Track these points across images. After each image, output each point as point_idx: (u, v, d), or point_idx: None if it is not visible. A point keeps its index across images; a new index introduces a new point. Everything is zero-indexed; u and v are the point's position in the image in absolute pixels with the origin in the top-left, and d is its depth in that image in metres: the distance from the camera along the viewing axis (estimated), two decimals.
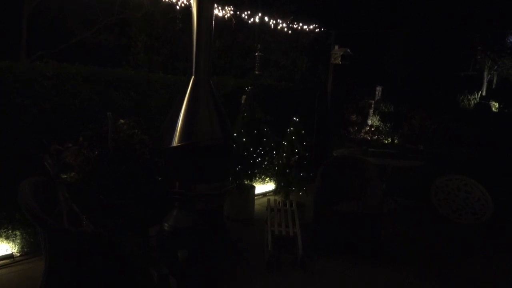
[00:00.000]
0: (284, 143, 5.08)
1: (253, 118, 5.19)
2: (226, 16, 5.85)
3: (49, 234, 2.47)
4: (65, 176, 3.50)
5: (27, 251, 3.69)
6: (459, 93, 13.01)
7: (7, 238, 3.57)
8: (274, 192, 5.42)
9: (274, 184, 5.43)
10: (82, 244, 2.49)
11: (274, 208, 4.48)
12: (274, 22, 6.42)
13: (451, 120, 7.59)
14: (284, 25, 6.59)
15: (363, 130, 8.48)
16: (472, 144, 6.93)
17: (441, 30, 12.78)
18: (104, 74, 4.23)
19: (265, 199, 5.45)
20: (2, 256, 3.57)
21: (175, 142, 3.87)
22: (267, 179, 6.20)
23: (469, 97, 12.96)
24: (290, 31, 6.75)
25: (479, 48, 13.95)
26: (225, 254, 4.03)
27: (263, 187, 6.19)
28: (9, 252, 3.61)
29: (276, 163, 5.10)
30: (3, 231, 3.54)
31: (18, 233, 3.62)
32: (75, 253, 2.50)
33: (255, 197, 5.45)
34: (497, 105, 13.03)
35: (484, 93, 14.48)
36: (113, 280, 2.57)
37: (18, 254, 3.65)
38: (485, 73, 15.35)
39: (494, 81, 15.89)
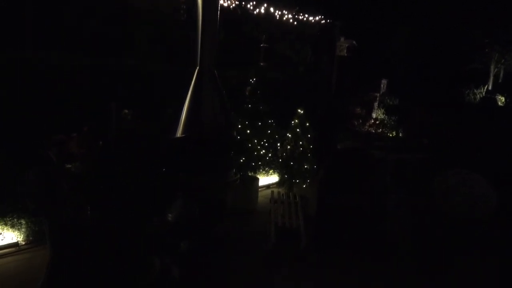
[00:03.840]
0: (288, 136, 5.06)
1: (257, 110, 5.17)
2: (231, 7, 5.80)
3: (52, 223, 2.48)
4: (70, 166, 3.51)
5: (32, 239, 3.71)
6: (465, 87, 12.88)
7: (12, 226, 3.60)
8: (277, 184, 5.42)
9: (278, 176, 5.43)
10: (85, 233, 2.51)
11: (277, 200, 4.48)
12: (279, 13, 6.36)
13: (455, 114, 7.54)
14: (290, 16, 6.53)
15: (367, 123, 8.45)
16: (476, 139, 6.89)
17: (446, 23, 12.65)
18: (108, 64, 4.22)
19: (268, 191, 5.45)
20: (7, 244, 3.60)
21: (179, 133, 3.87)
22: (270, 171, 6.19)
23: (475, 91, 12.83)
24: (295, 23, 6.69)
25: (486, 41, 13.77)
26: (228, 244, 4.05)
27: (267, 179, 6.18)
28: (14, 240, 3.64)
29: (280, 155, 5.09)
30: (8, 219, 3.56)
31: (23, 222, 3.64)
32: (79, 241, 2.52)
33: (259, 189, 5.45)
34: (503, 99, 12.89)
35: (490, 87, 14.31)
36: (116, 268, 2.59)
37: (24, 243, 3.68)
38: (492, 67, 15.17)
39: (501, 75, 15.69)
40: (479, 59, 14.57)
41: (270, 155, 5.42)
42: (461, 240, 4.68)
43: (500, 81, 15.35)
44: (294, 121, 5.02)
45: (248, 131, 5.09)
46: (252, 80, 5.22)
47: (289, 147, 4.96)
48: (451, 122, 7.31)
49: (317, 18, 6.88)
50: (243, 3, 5.89)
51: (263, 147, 5.28)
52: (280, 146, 5.24)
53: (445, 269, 3.91)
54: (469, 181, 5.28)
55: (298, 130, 4.96)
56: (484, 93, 12.97)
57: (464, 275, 3.82)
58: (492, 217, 5.05)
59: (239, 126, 5.05)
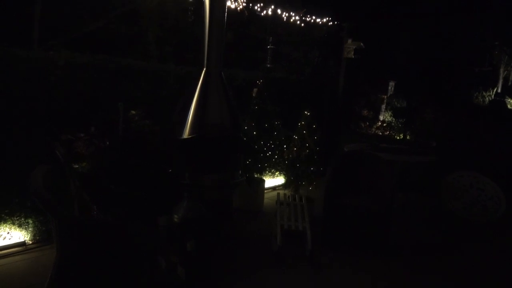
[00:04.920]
0: (294, 137, 5.04)
1: (264, 111, 5.16)
2: (238, 8, 5.80)
3: (59, 223, 2.49)
4: (77, 166, 3.53)
5: (39, 239, 3.74)
6: (474, 89, 12.76)
7: (19, 226, 3.62)
8: (283, 186, 5.40)
9: (284, 178, 5.42)
10: (92, 232, 2.52)
11: (283, 202, 4.47)
12: (286, 15, 6.34)
13: (464, 117, 7.49)
14: (297, 18, 6.51)
15: (374, 126, 8.39)
16: (485, 141, 6.83)
17: (456, 24, 12.54)
18: (115, 64, 4.24)
19: (274, 193, 5.44)
20: (15, 243, 3.62)
21: (186, 134, 3.88)
22: (277, 173, 6.18)
23: (484, 93, 12.71)
24: (302, 24, 6.68)
25: (496, 43, 13.63)
26: (234, 245, 4.04)
27: (273, 181, 6.17)
28: (21, 239, 3.66)
29: (286, 157, 5.07)
30: (15, 218, 3.59)
31: (30, 221, 3.66)
32: (85, 241, 2.52)
33: (265, 191, 5.45)
34: None
35: (499, 90, 14.16)
36: (122, 268, 2.59)
37: (31, 242, 3.70)
38: (501, 70, 15.01)
39: (510, 77, 15.52)
40: (489, 61, 14.42)
41: (276, 156, 5.41)
42: (470, 241, 4.65)
43: (509, 83, 15.19)
44: (301, 123, 5.00)
45: (255, 132, 5.08)
46: (259, 81, 5.22)
47: (295, 149, 4.95)
48: (460, 124, 7.26)
49: (324, 20, 6.84)
50: (251, 4, 5.88)
51: (269, 148, 5.26)
52: (286, 147, 5.23)
53: (456, 268, 3.88)
54: (479, 183, 5.25)
55: (304, 131, 4.94)
56: (493, 95, 12.85)
57: (475, 274, 3.80)
58: (502, 220, 5.00)
59: (246, 127, 5.05)
